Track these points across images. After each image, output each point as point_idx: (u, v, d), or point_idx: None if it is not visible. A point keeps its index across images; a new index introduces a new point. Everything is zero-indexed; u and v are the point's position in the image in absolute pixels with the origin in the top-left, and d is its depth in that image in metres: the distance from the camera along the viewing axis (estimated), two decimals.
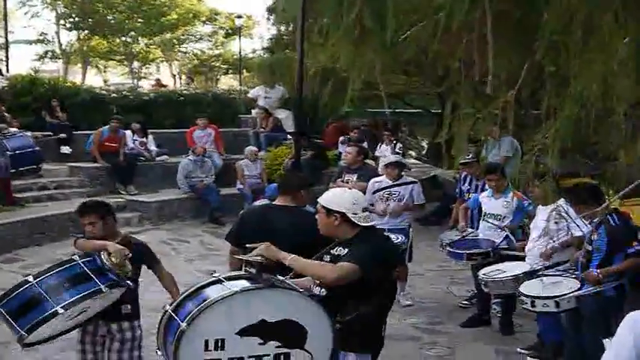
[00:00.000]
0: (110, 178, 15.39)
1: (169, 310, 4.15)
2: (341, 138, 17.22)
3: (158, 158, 16.57)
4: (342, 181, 10.08)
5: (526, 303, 6.90)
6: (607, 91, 4.80)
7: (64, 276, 5.03)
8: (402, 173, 9.65)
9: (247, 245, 4.56)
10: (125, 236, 5.77)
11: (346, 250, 4.57)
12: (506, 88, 5.77)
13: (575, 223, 7.07)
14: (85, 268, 5.06)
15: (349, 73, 10.43)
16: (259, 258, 4.36)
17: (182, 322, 3.91)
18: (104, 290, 4.97)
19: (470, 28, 5.42)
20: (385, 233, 7.13)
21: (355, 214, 4.61)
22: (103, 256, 5.17)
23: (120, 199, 14.57)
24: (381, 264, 4.55)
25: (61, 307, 4.82)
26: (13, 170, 12.46)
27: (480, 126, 5.86)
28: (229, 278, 4.27)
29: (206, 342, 3.91)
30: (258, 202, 10.96)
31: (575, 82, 5.11)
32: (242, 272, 4.41)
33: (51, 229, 12.58)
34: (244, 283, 4.18)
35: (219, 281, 4.22)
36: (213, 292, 4.10)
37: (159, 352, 4.30)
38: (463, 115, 6.19)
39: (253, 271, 4.33)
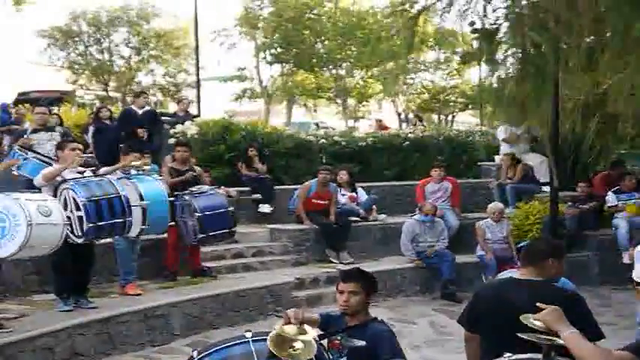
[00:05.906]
0: (319, 243, 15.58)
1: None
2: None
3: (374, 217, 16.68)
4: None
5: None
6: None
7: (226, 354, 5.20)
8: None
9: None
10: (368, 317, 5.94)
11: None
12: None
13: None
14: (252, 348, 5.13)
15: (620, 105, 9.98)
16: (538, 323, 4.54)
17: None
18: None
19: None
20: None
21: None
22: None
23: (331, 269, 14.61)
24: None
25: None
26: (202, 235, 12.68)
27: None
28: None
29: None
30: (503, 274, 10.74)
31: None
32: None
33: (247, 305, 12.87)
34: None
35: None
36: None
37: None
38: None
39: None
